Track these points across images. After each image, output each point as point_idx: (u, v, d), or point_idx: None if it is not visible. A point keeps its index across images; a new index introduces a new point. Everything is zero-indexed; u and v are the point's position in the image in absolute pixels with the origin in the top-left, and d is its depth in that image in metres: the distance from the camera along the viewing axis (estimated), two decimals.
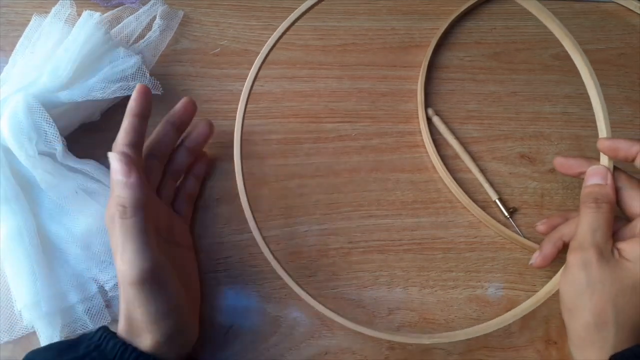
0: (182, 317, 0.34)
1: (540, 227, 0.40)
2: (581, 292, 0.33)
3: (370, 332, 0.36)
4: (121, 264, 0.32)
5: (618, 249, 0.34)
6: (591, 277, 0.33)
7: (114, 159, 0.33)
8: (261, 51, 0.38)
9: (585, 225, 0.34)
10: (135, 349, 0.32)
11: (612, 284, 0.32)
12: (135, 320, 0.32)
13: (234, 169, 0.41)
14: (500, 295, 0.41)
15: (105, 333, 0.32)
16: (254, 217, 0.39)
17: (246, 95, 0.38)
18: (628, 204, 0.35)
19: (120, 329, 0.33)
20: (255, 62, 0.38)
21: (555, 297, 0.38)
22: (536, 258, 0.39)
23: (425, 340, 0.36)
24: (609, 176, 0.35)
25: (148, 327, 0.32)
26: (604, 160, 0.37)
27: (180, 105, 0.40)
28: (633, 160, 0.36)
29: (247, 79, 0.38)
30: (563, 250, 0.38)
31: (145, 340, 0.32)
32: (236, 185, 0.43)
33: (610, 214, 0.34)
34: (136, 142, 0.36)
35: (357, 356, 0.39)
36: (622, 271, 0.33)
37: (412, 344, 0.39)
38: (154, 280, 0.32)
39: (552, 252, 0.38)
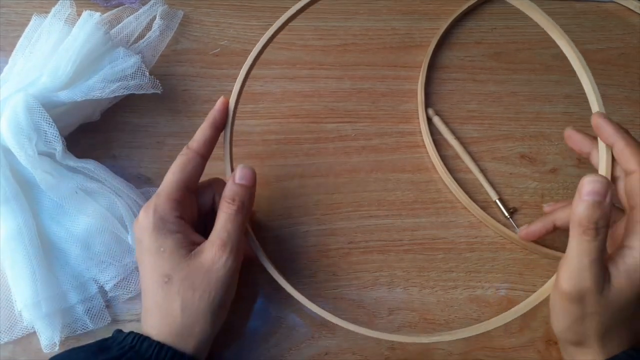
0: (228, 306, 0.35)
1: (547, 208, 0.40)
2: (573, 321, 0.32)
3: (367, 331, 0.36)
4: (220, 251, 0.33)
5: (607, 268, 0.31)
6: (586, 309, 0.31)
7: (247, 168, 0.36)
8: (251, 52, 0.38)
9: (581, 254, 0.30)
10: (170, 348, 0.31)
11: (605, 310, 0.31)
12: (194, 311, 0.32)
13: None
14: (501, 295, 0.41)
15: (138, 335, 0.32)
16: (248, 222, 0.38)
17: (236, 95, 0.38)
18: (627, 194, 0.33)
19: (156, 332, 0.32)
20: (245, 64, 0.38)
21: None
22: (522, 230, 0.40)
23: (425, 339, 0.36)
24: (609, 190, 0.30)
25: (200, 325, 0.33)
26: (602, 164, 0.35)
27: (218, 107, 0.38)
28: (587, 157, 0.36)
29: (237, 79, 0.38)
30: (552, 232, 0.39)
31: (187, 345, 0.32)
32: None
33: (606, 236, 0.30)
34: (207, 156, 0.37)
35: (357, 356, 0.39)
36: (613, 295, 0.31)
37: (412, 344, 0.39)
38: (239, 271, 0.35)
39: (540, 231, 0.38)
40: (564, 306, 0.32)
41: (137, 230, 0.34)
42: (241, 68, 0.48)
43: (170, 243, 0.33)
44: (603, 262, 0.31)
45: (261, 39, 0.38)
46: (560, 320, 0.33)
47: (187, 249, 0.33)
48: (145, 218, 0.34)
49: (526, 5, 0.37)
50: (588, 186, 0.30)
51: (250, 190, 0.35)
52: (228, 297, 0.34)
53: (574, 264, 0.31)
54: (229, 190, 0.35)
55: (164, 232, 0.33)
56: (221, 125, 0.38)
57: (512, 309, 0.37)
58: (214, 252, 0.33)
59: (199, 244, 0.34)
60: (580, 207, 0.30)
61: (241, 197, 0.35)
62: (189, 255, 0.33)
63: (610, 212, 0.30)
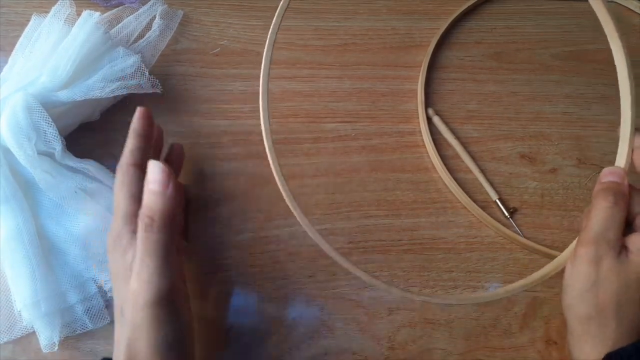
0: (187, 350, 0.32)
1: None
2: (588, 287, 0.33)
3: (399, 292, 0.35)
4: (136, 282, 0.29)
5: (624, 244, 0.34)
6: (601, 273, 0.33)
7: (156, 167, 0.31)
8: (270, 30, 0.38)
9: (600, 220, 0.33)
10: None
11: (618, 279, 0.32)
12: (138, 351, 0.30)
13: (234, 169, 0.40)
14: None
15: None
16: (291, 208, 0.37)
17: (266, 85, 0.38)
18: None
19: None
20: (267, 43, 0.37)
21: (556, 296, 0.37)
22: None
23: (415, 297, 0.37)
24: (625, 178, 0.35)
25: None
26: (621, 162, 0.36)
27: (136, 116, 0.38)
28: None
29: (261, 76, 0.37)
30: None
31: None
32: (234, 185, 0.44)
33: (626, 212, 0.34)
34: (142, 164, 0.34)
35: (357, 356, 0.39)
36: (627, 266, 0.33)
37: (412, 344, 0.39)
38: (170, 303, 0.30)
39: None
40: (580, 270, 0.34)
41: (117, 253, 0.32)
42: (241, 68, 0.49)
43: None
44: (621, 231, 0.33)
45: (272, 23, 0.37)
46: (574, 287, 0.34)
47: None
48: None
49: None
50: (607, 171, 0.35)
51: (164, 198, 0.30)
52: (172, 335, 0.30)
53: (595, 228, 0.33)
54: (144, 199, 0.31)
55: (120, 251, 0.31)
56: (146, 133, 0.36)
57: (539, 271, 0.37)
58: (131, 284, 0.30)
59: None
60: (601, 185, 0.35)
61: (150, 211, 0.30)
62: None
63: (628, 194, 0.34)
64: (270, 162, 0.37)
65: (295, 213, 0.36)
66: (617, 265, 0.33)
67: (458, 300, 0.37)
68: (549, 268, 0.37)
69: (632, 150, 0.35)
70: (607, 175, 0.35)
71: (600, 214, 0.33)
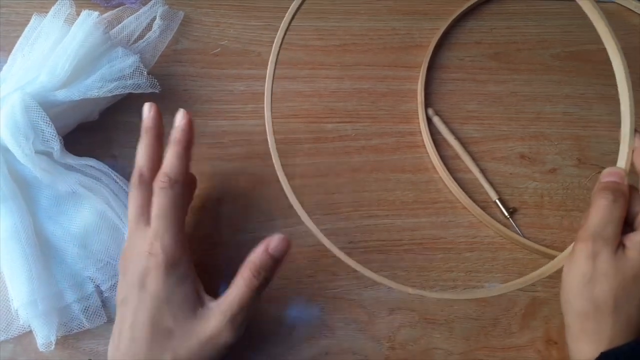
0: None
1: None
2: (585, 283, 0.33)
3: (399, 286, 0.36)
4: (231, 329, 0.32)
5: (622, 241, 0.34)
6: (598, 270, 0.33)
7: (285, 240, 0.33)
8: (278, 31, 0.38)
9: (599, 216, 0.34)
10: None
11: (615, 275, 0.32)
12: (164, 318, 0.31)
13: (235, 169, 0.40)
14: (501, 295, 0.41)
15: None
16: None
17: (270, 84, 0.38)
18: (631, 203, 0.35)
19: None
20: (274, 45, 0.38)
21: (556, 296, 0.37)
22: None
23: (410, 290, 0.37)
24: (625, 178, 0.35)
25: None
26: (621, 163, 0.36)
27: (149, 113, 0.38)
28: None
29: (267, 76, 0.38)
30: None
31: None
32: (235, 185, 0.44)
33: (624, 210, 0.34)
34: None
35: (358, 356, 0.39)
36: (624, 262, 0.33)
37: (412, 344, 0.39)
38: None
39: None
40: (577, 266, 0.34)
41: (137, 272, 0.32)
42: (241, 68, 0.49)
43: (180, 294, 0.32)
44: (620, 228, 0.33)
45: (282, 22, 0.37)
46: (572, 282, 0.34)
47: (194, 304, 0.32)
48: (152, 259, 0.32)
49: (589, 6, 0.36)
50: (607, 172, 0.35)
51: (279, 264, 0.33)
52: None
53: (589, 222, 0.34)
54: (258, 259, 0.32)
55: (174, 280, 0.32)
56: (192, 145, 0.36)
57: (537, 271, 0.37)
58: (222, 323, 0.31)
59: (203, 298, 0.33)
60: (601, 184, 0.35)
61: (268, 273, 0.32)
62: (195, 313, 0.32)
63: (627, 192, 0.34)
64: (275, 163, 0.38)
65: (300, 214, 0.36)
66: (614, 262, 0.33)
67: (453, 295, 0.37)
68: (546, 267, 0.37)
69: (632, 151, 0.35)
70: (607, 176, 0.35)
71: (598, 211, 0.34)
